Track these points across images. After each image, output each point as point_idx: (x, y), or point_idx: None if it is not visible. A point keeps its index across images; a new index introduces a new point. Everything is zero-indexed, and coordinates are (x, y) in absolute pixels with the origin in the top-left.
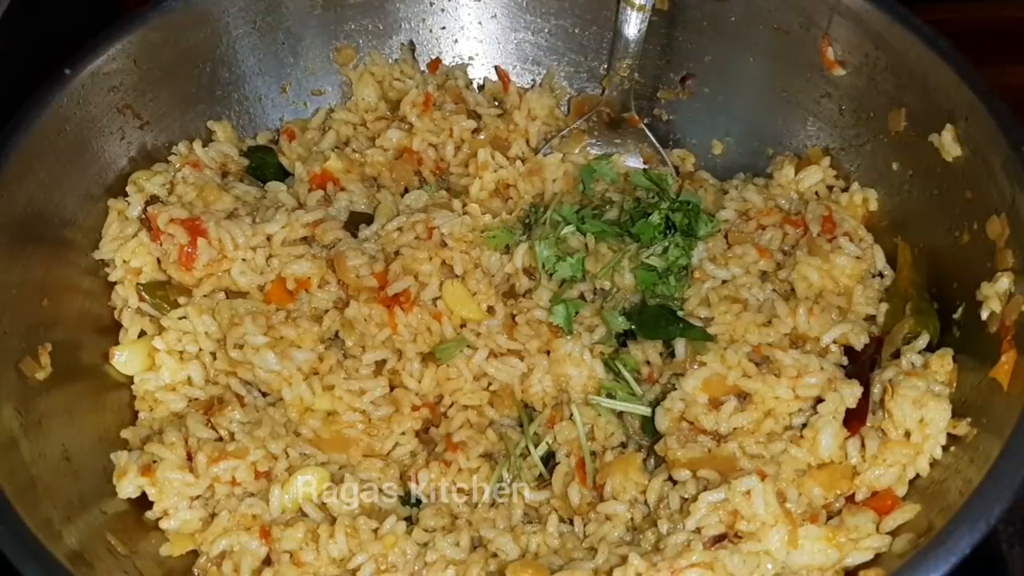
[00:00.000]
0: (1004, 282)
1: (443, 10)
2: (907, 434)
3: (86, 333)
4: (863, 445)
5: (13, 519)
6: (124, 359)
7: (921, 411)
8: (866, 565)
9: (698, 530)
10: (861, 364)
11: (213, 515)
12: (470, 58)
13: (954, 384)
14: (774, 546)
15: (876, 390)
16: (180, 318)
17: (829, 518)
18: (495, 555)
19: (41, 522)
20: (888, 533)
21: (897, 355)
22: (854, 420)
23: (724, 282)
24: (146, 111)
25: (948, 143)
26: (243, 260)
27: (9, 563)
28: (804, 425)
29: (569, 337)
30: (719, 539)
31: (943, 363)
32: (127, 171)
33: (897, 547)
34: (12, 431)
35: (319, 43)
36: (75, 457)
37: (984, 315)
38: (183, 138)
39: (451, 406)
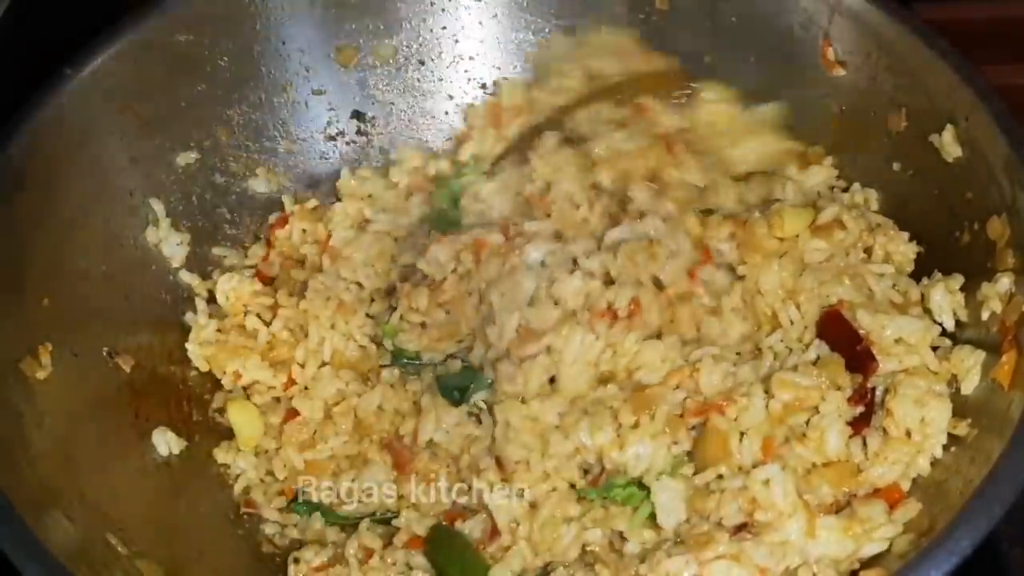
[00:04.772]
0: (1004, 282)
1: (443, 10)
2: (908, 433)
3: (87, 332)
4: (865, 443)
5: (13, 519)
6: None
7: (922, 411)
8: (867, 565)
9: (719, 521)
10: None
11: None
12: (470, 58)
13: (955, 385)
14: (792, 536)
15: (879, 390)
16: None
17: (838, 511)
18: None
19: (41, 522)
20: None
21: None
22: (859, 420)
23: None
24: (146, 111)
25: (948, 143)
26: None
27: (9, 563)
28: (806, 422)
29: None
30: (739, 528)
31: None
32: (127, 171)
33: (898, 547)
34: (12, 431)
35: (319, 43)
36: (75, 457)
37: (985, 315)
38: (183, 138)
39: None
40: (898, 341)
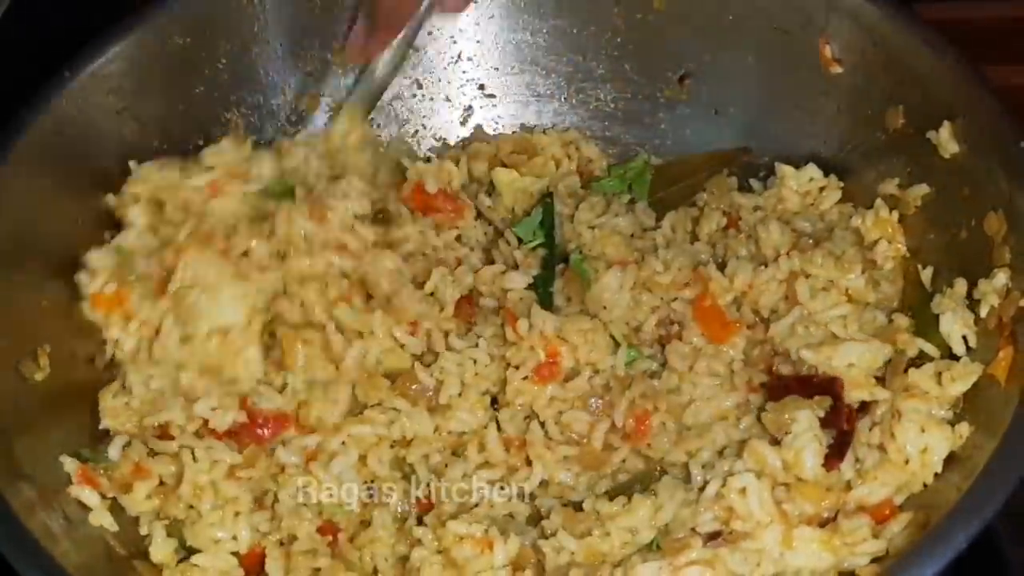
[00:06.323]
0: (1001, 278)
1: None
2: (906, 460)
3: (86, 333)
4: (857, 459)
5: (13, 521)
6: None
7: (925, 438)
8: None
9: (693, 528)
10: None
11: None
12: (468, 59)
13: (960, 406)
14: (768, 545)
15: (863, 423)
16: None
17: (822, 525)
18: None
19: (41, 524)
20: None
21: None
22: (832, 458)
23: None
24: (145, 113)
25: (946, 140)
26: None
27: (9, 564)
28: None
29: None
30: (713, 536)
31: (953, 387)
32: (126, 172)
33: (894, 544)
34: (11, 433)
35: (318, 44)
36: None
37: (983, 312)
38: (182, 140)
39: None
40: (851, 366)
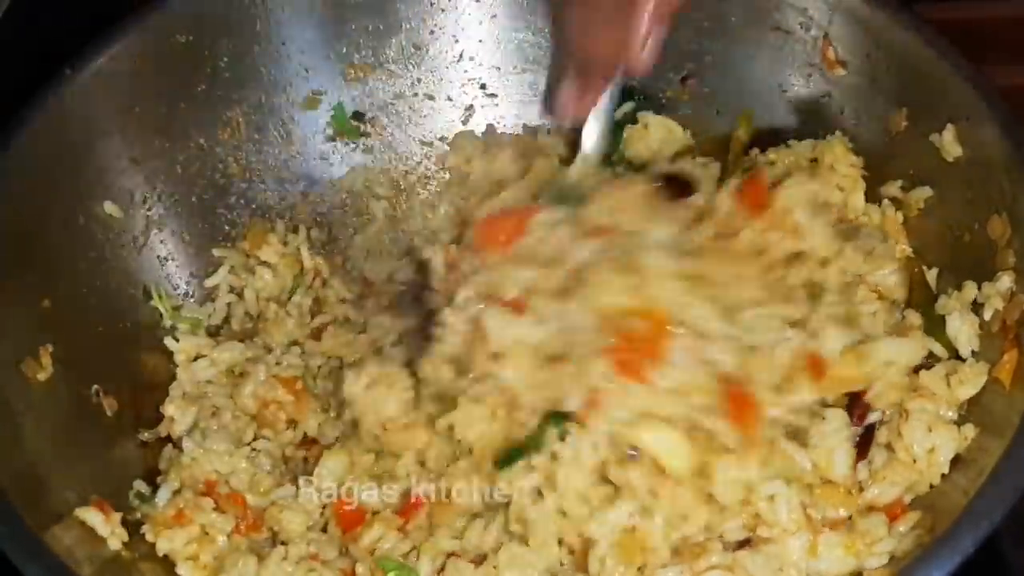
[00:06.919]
0: (1005, 281)
1: (443, 10)
2: (913, 459)
3: (87, 334)
4: (868, 460)
5: (14, 519)
6: None
7: (932, 438)
8: None
9: (720, 535)
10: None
11: None
12: (470, 58)
13: (965, 408)
14: (794, 554)
15: (874, 416)
16: None
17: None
18: None
19: (42, 523)
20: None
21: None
22: (859, 446)
23: None
24: (146, 111)
25: (949, 143)
26: None
27: (9, 563)
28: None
29: None
30: (741, 545)
31: (962, 390)
32: (127, 171)
33: (901, 548)
34: (13, 431)
35: (319, 43)
36: (76, 458)
37: (987, 315)
38: (183, 138)
39: None
40: (889, 364)
